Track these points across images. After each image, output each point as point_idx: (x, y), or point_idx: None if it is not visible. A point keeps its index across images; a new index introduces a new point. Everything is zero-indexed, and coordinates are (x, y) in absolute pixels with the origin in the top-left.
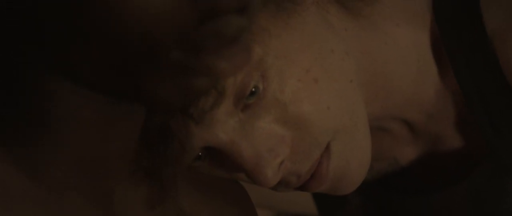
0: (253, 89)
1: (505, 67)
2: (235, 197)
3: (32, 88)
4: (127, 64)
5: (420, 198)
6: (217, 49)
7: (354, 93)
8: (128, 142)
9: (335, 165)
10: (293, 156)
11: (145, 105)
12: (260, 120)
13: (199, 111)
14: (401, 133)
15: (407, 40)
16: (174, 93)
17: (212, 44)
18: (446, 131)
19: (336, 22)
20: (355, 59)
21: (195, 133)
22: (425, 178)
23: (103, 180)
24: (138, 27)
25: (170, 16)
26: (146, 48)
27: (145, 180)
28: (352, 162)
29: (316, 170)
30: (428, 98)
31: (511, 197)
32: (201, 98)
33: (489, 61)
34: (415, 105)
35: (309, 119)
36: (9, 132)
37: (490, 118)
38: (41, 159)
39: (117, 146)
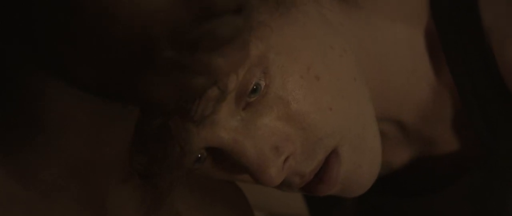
0: (255, 87)
1: (501, 65)
2: (233, 201)
3: (23, 89)
4: (122, 64)
5: (416, 201)
6: (213, 48)
7: (359, 92)
8: (122, 146)
9: (346, 170)
10: (297, 155)
11: (141, 106)
12: (262, 118)
13: (200, 111)
14: (396, 136)
15: (402, 36)
16: (170, 93)
17: (208, 43)
18: (440, 133)
19: (333, 17)
20: (354, 55)
21: (196, 133)
22: (420, 180)
23: (96, 184)
24: (132, 25)
25: (165, 15)
26: (141, 47)
27: (140, 185)
28: (363, 165)
29: (326, 175)
30: (424, 98)
31: (506, 198)
32: (203, 97)
33: (485, 59)
34: (410, 106)
35: (312, 118)
36: None
37: (485, 118)
38: (31, 162)
39: (110, 149)
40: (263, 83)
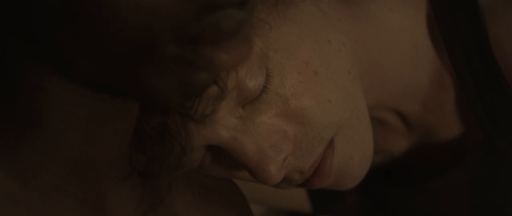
0: (253, 85)
1: (494, 45)
2: (230, 199)
3: (22, 87)
4: (124, 59)
5: (416, 189)
6: (216, 42)
7: (353, 85)
8: (122, 143)
9: (338, 161)
10: (296, 152)
11: (143, 102)
12: (261, 116)
13: (201, 110)
14: (396, 125)
15: (401, 26)
16: (173, 88)
17: (211, 37)
18: (440, 120)
19: (330, 12)
20: (351, 49)
21: (196, 132)
22: (420, 168)
23: (95, 183)
24: (134, 19)
25: (167, 10)
26: (143, 42)
27: (139, 185)
28: (356, 157)
29: (319, 166)
30: (422, 86)
31: (504, 183)
32: (203, 96)
33: (481, 41)
34: (410, 95)
35: (311, 113)
36: None
37: (484, 103)
38: (30, 162)
39: (110, 147)
40: (262, 81)
